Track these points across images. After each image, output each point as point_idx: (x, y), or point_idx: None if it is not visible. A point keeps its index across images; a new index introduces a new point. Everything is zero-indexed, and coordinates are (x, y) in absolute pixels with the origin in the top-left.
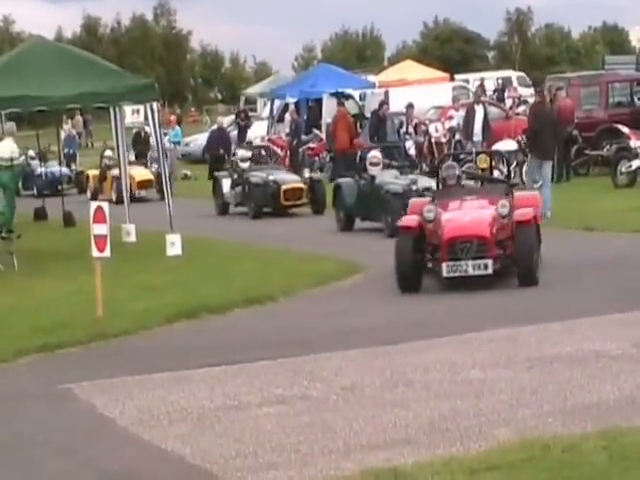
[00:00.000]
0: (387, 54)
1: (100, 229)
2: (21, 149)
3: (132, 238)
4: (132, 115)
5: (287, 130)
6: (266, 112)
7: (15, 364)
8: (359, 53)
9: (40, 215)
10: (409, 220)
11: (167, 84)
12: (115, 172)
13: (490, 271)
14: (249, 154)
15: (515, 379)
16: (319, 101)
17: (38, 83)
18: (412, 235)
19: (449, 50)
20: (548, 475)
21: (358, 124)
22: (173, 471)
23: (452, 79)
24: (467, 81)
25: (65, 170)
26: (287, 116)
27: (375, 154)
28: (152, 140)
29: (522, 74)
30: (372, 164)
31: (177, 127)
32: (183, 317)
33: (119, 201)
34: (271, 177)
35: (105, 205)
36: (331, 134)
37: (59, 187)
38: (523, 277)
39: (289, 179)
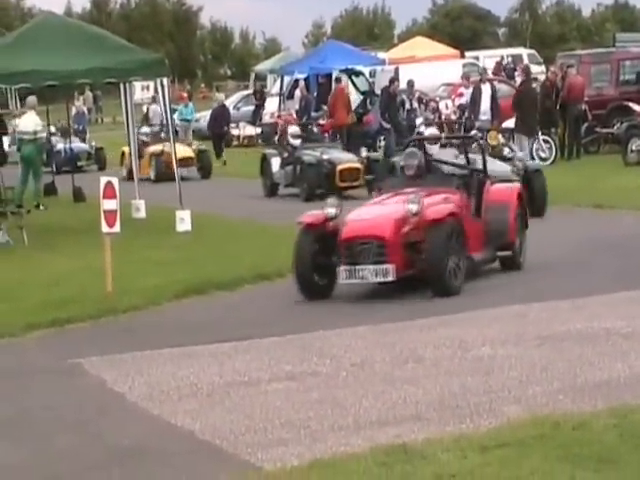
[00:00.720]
0: (397, 31)
1: (110, 204)
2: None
3: (142, 214)
4: (142, 91)
5: (297, 107)
6: (276, 89)
7: (25, 339)
8: (369, 30)
9: (50, 191)
10: (310, 216)
11: (177, 60)
12: (153, 149)
13: (391, 278)
14: (299, 131)
15: (525, 356)
16: (329, 78)
17: (48, 58)
18: (314, 233)
19: (459, 27)
20: (558, 452)
21: (368, 101)
22: (182, 446)
23: (462, 56)
24: (477, 58)
25: (84, 146)
26: (297, 92)
27: (432, 131)
28: (151, 115)
29: (533, 51)
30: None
31: (190, 104)
32: (192, 293)
33: (158, 179)
34: (325, 156)
35: (115, 180)
36: (330, 110)
37: (78, 163)
38: (432, 285)
39: (345, 158)
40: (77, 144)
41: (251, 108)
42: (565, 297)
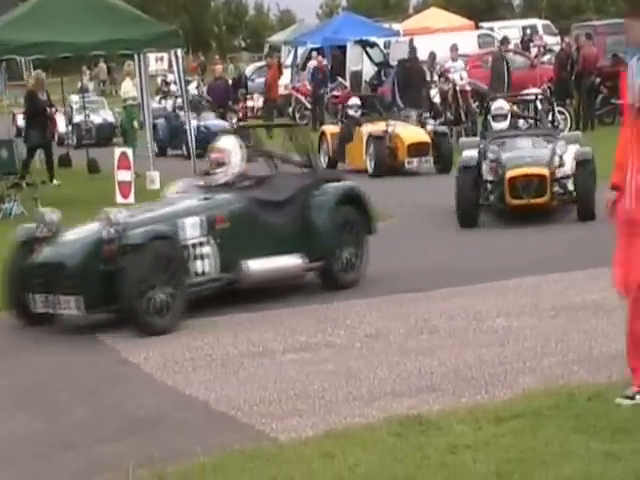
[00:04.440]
0: (412, 2)
1: (124, 175)
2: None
3: (156, 186)
4: (156, 63)
5: (308, 77)
6: (290, 60)
7: None
8: (384, 1)
9: (64, 162)
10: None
11: (191, 32)
12: (370, 129)
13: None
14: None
15: (540, 327)
16: (343, 49)
17: (63, 30)
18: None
19: None
20: (573, 423)
21: (382, 72)
22: (197, 417)
23: (477, 27)
24: (492, 29)
25: (223, 124)
26: (309, 64)
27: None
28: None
29: (548, 22)
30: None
31: None
32: None
33: (379, 173)
34: None
35: (129, 152)
36: (266, 86)
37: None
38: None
39: None
40: (213, 121)
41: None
42: (580, 267)
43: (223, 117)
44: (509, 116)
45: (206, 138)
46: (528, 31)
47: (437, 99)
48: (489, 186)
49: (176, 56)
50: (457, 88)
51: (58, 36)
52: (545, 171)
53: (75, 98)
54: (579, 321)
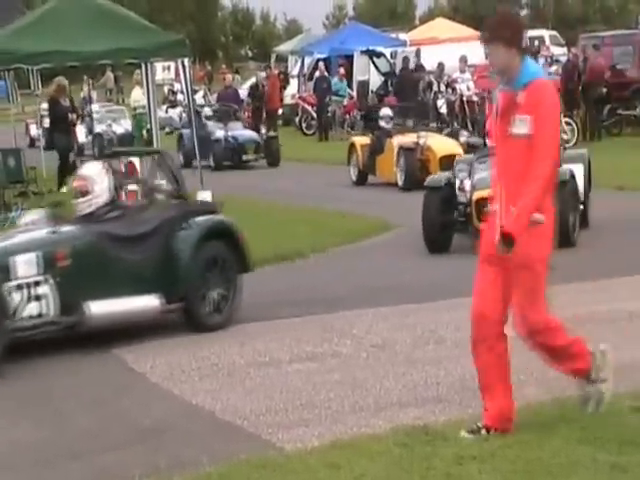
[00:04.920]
0: (419, 12)
1: (130, 185)
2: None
3: None
4: (163, 72)
5: (312, 87)
6: (297, 70)
7: None
8: (391, 12)
9: (70, 170)
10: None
11: (198, 41)
12: (402, 140)
13: None
14: None
15: None
16: (350, 59)
17: (70, 39)
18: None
19: (481, 8)
20: (580, 435)
21: (389, 82)
22: (203, 426)
23: None
24: None
25: (252, 134)
26: (317, 74)
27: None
28: (181, 97)
29: (555, 33)
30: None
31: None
32: None
33: (409, 186)
34: None
35: (136, 160)
36: (266, 95)
37: (243, 157)
38: None
39: None
40: (242, 131)
41: None
42: (587, 279)
43: None
44: None
45: (235, 149)
46: (535, 42)
47: (444, 109)
48: (461, 208)
49: (183, 65)
50: (464, 99)
51: (65, 45)
52: None
53: (95, 107)
54: (586, 333)
